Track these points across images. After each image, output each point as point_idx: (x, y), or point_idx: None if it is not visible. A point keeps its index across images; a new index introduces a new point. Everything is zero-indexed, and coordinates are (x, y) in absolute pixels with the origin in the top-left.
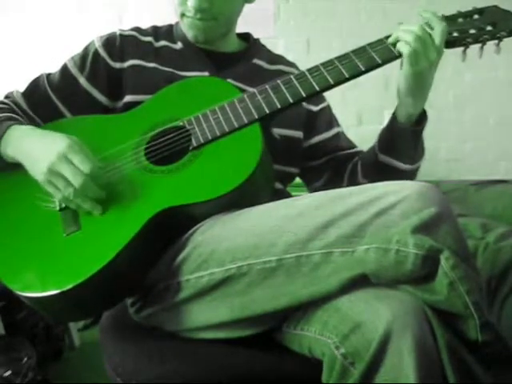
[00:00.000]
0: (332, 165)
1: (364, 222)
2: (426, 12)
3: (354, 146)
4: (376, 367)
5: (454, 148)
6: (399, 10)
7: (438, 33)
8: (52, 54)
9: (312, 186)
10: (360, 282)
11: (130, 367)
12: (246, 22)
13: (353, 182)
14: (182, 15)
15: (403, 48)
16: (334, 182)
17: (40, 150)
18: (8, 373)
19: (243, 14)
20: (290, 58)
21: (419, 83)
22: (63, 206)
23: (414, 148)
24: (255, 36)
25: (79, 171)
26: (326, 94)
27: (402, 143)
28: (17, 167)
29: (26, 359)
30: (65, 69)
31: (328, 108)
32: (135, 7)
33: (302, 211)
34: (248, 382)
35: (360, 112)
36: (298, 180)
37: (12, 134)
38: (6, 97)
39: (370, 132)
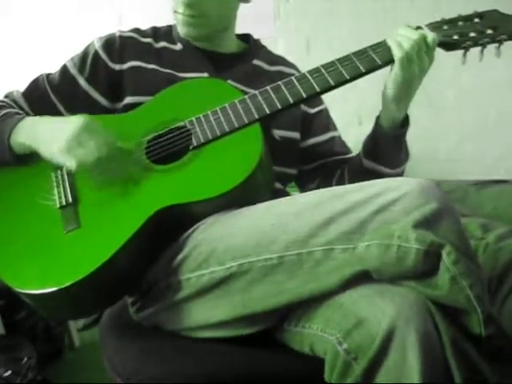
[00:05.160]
0: (323, 170)
1: (365, 219)
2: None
3: (347, 152)
4: (379, 363)
5: (454, 148)
6: (400, 11)
7: (430, 40)
8: (52, 54)
9: (305, 190)
10: (362, 278)
11: (130, 367)
12: (246, 22)
13: None
14: (175, 12)
15: (396, 51)
16: (324, 187)
17: (57, 129)
18: (8, 373)
19: (243, 14)
20: (289, 58)
21: (407, 89)
22: (63, 203)
23: (397, 152)
24: (255, 36)
25: (104, 140)
26: (326, 94)
27: (385, 148)
28: (17, 165)
29: (26, 359)
30: (65, 69)
31: (325, 111)
32: (135, 8)
33: (302, 209)
34: (248, 381)
35: (360, 112)
36: None
37: (24, 123)
38: (6, 96)
39: None
